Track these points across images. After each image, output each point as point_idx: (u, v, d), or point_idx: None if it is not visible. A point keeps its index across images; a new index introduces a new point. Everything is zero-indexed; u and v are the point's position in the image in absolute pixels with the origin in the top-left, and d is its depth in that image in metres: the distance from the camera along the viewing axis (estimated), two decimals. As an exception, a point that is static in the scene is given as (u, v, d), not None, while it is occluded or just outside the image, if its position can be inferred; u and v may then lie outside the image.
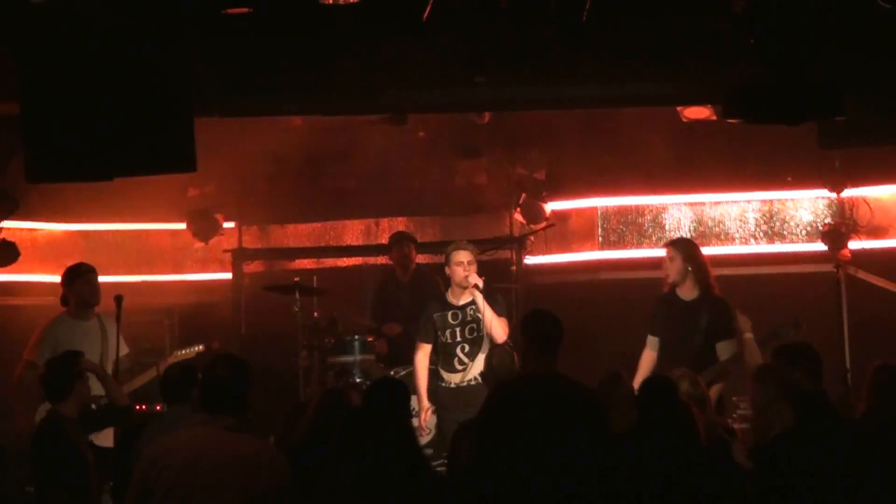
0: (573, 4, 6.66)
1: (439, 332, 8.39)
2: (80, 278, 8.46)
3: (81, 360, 7.35)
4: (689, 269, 8.26)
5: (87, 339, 8.29)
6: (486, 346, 8.13)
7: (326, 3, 6.80)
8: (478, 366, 8.17)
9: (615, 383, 6.67)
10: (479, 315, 8.23)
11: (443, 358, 8.42)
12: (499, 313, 8.23)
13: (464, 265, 8.29)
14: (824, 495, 6.02)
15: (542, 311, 6.88)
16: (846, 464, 6.11)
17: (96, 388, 7.73)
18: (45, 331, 8.37)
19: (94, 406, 7.67)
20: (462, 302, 8.37)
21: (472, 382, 8.25)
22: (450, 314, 8.40)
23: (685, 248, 8.40)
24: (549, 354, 6.19)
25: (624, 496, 5.85)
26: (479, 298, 8.19)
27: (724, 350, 8.07)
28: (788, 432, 6.22)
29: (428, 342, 8.46)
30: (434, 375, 8.50)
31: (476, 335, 8.30)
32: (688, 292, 8.29)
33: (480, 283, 8.23)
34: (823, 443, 6.14)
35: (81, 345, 8.10)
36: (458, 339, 8.35)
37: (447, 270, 8.45)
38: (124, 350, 8.41)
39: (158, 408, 7.98)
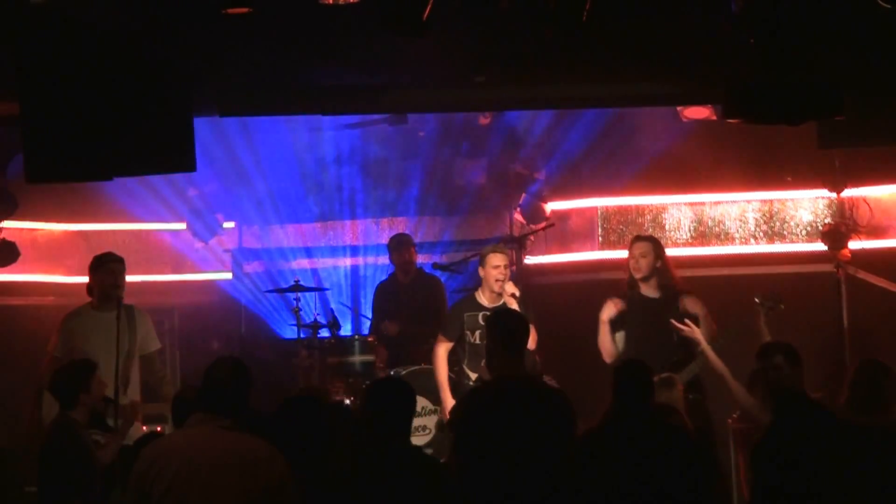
0: (573, 4, 6.66)
1: (468, 332, 8.30)
2: (102, 267, 8.13)
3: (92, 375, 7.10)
4: (657, 266, 8.28)
5: (104, 332, 7.93)
6: None
7: (326, 3, 6.80)
8: None
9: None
10: None
11: (469, 357, 8.32)
12: (530, 321, 8.16)
13: (500, 269, 8.23)
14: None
15: (508, 310, 6.84)
16: (831, 456, 6.08)
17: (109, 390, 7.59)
18: (62, 322, 8.14)
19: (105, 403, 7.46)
20: (493, 305, 8.26)
21: None
22: (480, 315, 8.29)
23: (658, 245, 8.42)
24: (514, 354, 6.16)
25: (593, 497, 5.84)
26: (517, 307, 7.99)
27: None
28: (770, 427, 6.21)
29: (451, 339, 8.35)
30: (457, 373, 8.43)
31: None
32: (652, 290, 8.29)
33: (517, 293, 8.18)
34: (807, 436, 6.12)
35: (95, 338, 7.92)
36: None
37: (480, 272, 8.36)
38: (156, 345, 8.28)
39: (159, 429, 7.79)
